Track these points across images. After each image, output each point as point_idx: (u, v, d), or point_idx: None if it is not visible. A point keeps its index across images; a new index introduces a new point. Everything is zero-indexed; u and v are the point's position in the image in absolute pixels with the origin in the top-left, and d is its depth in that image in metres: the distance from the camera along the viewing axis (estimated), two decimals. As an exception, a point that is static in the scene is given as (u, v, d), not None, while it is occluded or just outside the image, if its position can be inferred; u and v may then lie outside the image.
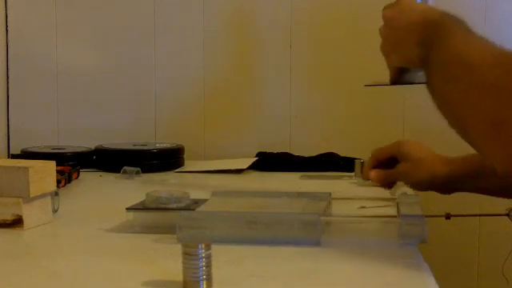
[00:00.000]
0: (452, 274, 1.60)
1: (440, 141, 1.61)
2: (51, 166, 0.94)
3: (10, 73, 1.71)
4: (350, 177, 1.34)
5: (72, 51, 1.71)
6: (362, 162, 1.33)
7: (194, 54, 1.67)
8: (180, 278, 0.64)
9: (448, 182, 1.07)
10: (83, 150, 1.54)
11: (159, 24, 1.68)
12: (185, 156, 1.56)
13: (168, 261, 0.73)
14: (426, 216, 0.82)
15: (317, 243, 0.81)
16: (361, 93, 1.61)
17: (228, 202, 0.98)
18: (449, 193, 1.09)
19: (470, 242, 1.63)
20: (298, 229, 0.81)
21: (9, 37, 1.70)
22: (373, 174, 1.10)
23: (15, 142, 1.69)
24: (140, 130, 1.69)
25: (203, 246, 0.63)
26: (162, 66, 1.69)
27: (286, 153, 1.58)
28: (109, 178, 1.39)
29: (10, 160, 1.50)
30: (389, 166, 1.10)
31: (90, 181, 1.37)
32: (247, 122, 1.67)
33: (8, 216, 0.90)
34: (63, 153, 1.51)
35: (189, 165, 1.53)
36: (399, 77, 0.98)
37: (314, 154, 1.53)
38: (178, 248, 0.64)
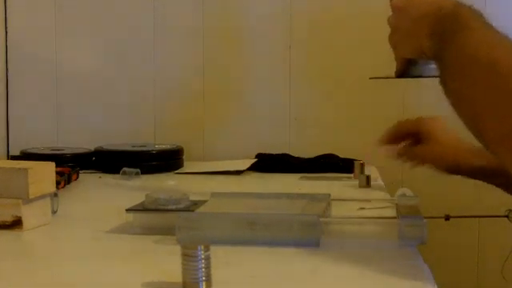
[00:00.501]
0: (451, 275, 1.60)
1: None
2: (50, 167, 0.94)
3: (9, 74, 1.71)
4: (350, 178, 1.34)
5: (71, 52, 1.71)
6: (362, 164, 1.33)
7: (194, 55, 1.67)
8: (179, 279, 0.64)
9: (472, 173, 1.04)
10: (83, 151, 1.53)
11: (159, 25, 1.68)
12: (184, 157, 1.56)
13: (167, 262, 0.73)
14: (426, 217, 0.82)
15: (316, 244, 0.81)
16: (360, 94, 1.61)
17: (227, 203, 0.98)
18: (472, 178, 1.07)
19: (470, 243, 1.63)
20: (297, 230, 0.81)
21: (8, 38, 1.70)
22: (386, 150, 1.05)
23: (14, 143, 1.69)
24: (139, 132, 1.69)
25: (202, 247, 0.63)
26: (162, 67, 1.69)
27: (286, 154, 1.58)
28: (108, 180, 1.39)
29: (9, 161, 1.50)
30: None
31: (90, 182, 1.37)
32: (247, 123, 1.67)
33: (7, 217, 0.90)
34: (62, 154, 1.51)
35: (188, 166, 1.53)
36: (406, 69, 0.95)
37: (313, 155, 1.53)
38: (178, 249, 0.64)
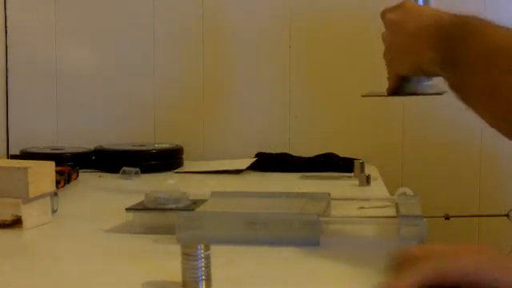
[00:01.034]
0: (451, 274, 1.60)
1: (439, 138, 1.62)
2: (50, 166, 0.95)
3: (9, 73, 1.71)
4: (350, 177, 1.34)
5: (71, 52, 1.71)
6: (362, 163, 1.33)
7: (193, 55, 1.67)
8: (179, 278, 0.64)
9: None
10: (82, 150, 1.53)
11: (158, 25, 1.68)
12: (184, 156, 1.56)
13: (167, 261, 0.73)
14: (425, 217, 0.82)
15: (316, 243, 0.81)
16: (360, 93, 1.61)
17: (227, 202, 0.98)
18: None
19: (469, 242, 1.63)
20: (297, 229, 0.81)
21: (8, 38, 1.70)
22: None
23: (14, 142, 1.69)
24: (139, 131, 1.69)
25: (202, 246, 0.63)
26: (161, 67, 1.69)
27: (286, 153, 1.58)
28: (108, 179, 1.39)
29: (9, 160, 1.50)
30: None
31: (90, 181, 1.37)
32: (246, 122, 1.67)
33: (7, 216, 0.90)
34: (62, 153, 1.51)
35: (188, 165, 1.53)
36: (399, 86, 0.93)
37: (313, 154, 1.53)
38: (178, 248, 0.64)
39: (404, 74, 0.90)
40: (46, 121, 1.71)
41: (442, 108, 1.51)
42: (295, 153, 1.58)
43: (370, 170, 1.35)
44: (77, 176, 1.35)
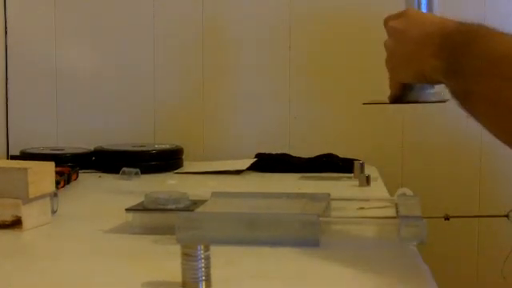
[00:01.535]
0: (451, 275, 1.60)
1: (439, 139, 1.62)
2: (50, 167, 0.94)
3: (9, 74, 1.71)
4: (350, 178, 1.34)
5: (71, 52, 1.71)
6: (362, 163, 1.33)
7: (193, 55, 1.67)
8: (179, 278, 0.64)
9: None
10: (82, 151, 1.54)
11: (158, 25, 1.68)
12: (184, 157, 1.56)
13: (167, 262, 0.73)
14: (425, 217, 0.82)
15: (316, 244, 0.81)
16: (360, 93, 1.61)
17: (227, 202, 0.98)
18: None
19: (469, 243, 1.63)
20: (297, 229, 0.81)
21: (8, 38, 1.70)
22: None
23: (14, 142, 1.69)
24: (139, 131, 1.69)
25: (202, 246, 0.63)
26: (161, 67, 1.69)
27: (285, 154, 1.58)
28: (108, 179, 1.39)
29: (9, 161, 1.50)
30: None
31: (89, 182, 1.37)
32: (246, 122, 1.67)
33: (7, 217, 0.90)
34: (62, 154, 1.51)
35: (188, 166, 1.53)
36: (402, 94, 0.93)
37: (313, 154, 1.53)
38: (177, 249, 0.64)
39: (407, 81, 0.90)
40: (45, 121, 1.71)
41: (442, 108, 1.51)
42: (295, 153, 1.58)
43: (369, 170, 1.35)
44: (77, 176, 1.35)
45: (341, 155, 1.52)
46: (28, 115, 1.71)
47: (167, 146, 1.55)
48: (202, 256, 0.63)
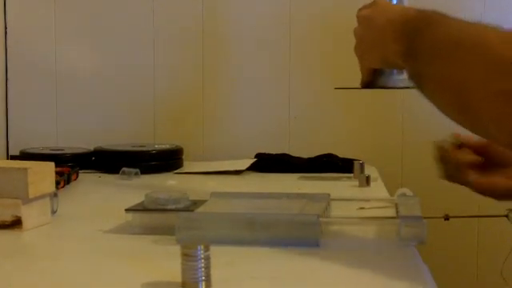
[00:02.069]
0: (451, 275, 1.61)
1: (439, 138, 1.61)
2: (50, 167, 0.94)
3: (8, 74, 1.71)
4: (349, 178, 1.34)
5: (71, 52, 1.71)
6: (362, 163, 1.33)
7: (193, 55, 1.67)
8: (179, 279, 0.64)
9: None
10: (82, 151, 1.53)
11: (158, 25, 1.68)
12: (184, 157, 1.56)
13: (167, 262, 0.73)
14: (425, 217, 0.82)
15: (316, 244, 0.81)
16: (360, 94, 1.61)
17: (227, 203, 0.98)
18: None
19: (469, 243, 1.64)
20: (296, 230, 0.81)
21: (8, 38, 1.70)
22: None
23: (14, 143, 1.69)
24: (139, 131, 1.69)
25: (202, 247, 0.63)
26: (161, 67, 1.69)
27: (285, 154, 1.58)
28: (108, 179, 1.39)
29: (8, 161, 1.50)
30: None
31: (89, 182, 1.37)
32: (246, 123, 1.67)
33: (7, 217, 0.90)
34: (62, 154, 1.51)
35: (188, 166, 1.53)
36: (372, 80, 0.97)
37: (312, 155, 1.53)
38: (177, 249, 0.64)
39: (374, 67, 0.94)
40: (45, 121, 1.71)
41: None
42: (295, 153, 1.58)
43: (369, 170, 1.35)
44: (77, 177, 1.35)
45: (341, 155, 1.52)
46: (28, 115, 1.71)
47: (167, 146, 1.55)
48: (202, 256, 0.63)
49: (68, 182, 1.28)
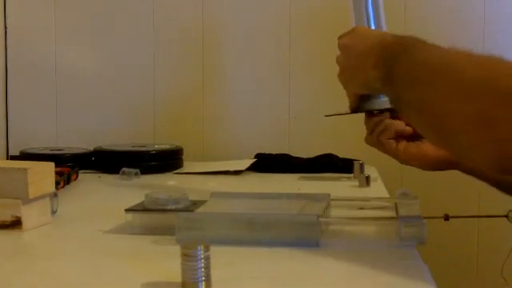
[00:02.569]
0: (451, 275, 1.61)
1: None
2: (50, 167, 0.94)
3: (8, 74, 1.71)
4: (349, 178, 1.34)
5: (71, 52, 1.71)
6: (361, 164, 1.33)
7: (193, 55, 1.67)
8: (179, 279, 0.64)
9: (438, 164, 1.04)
10: (82, 151, 1.53)
11: (158, 25, 1.68)
12: (184, 157, 1.56)
13: (167, 262, 0.73)
14: (425, 217, 0.82)
15: (316, 244, 0.81)
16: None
17: (227, 203, 0.98)
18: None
19: (469, 243, 1.64)
20: (296, 230, 0.81)
21: (8, 38, 1.70)
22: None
23: (14, 143, 1.69)
24: (139, 132, 1.69)
25: (202, 247, 0.63)
26: (161, 67, 1.69)
27: (285, 154, 1.58)
28: (108, 180, 1.39)
29: (8, 161, 1.50)
30: None
31: (89, 182, 1.37)
32: (246, 123, 1.67)
33: (7, 217, 0.90)
34: (62, 154, 1.51)
35: (188, 166, 1.53)
36: (359, 104, 0.99)
37: (312, 155, 1.53)
38: (177, 249, 0.64)
39: (358, 92, 0.96)
40: (45, 121, 1.71)
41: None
42: (295, 153, 1.58)
43: (369, 170, 1.35)
44: (76, 177, 1.35)
45: (341, 155, 1.52)
46: (28, 115, 1.71)
47: (167, 146, 1.55)
48: (202, 256, 0.63)
49: (68, 182, 1.28)
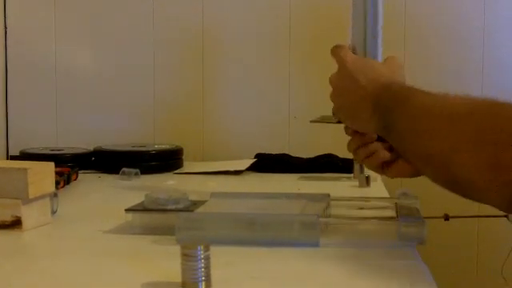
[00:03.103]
0: (451, 275, 1.60)
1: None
2: (50, 167, 0.94)
3: (8, 74, 1.71)
4: (349, 178, 1.34)
5: (71, 52, 1.71)
6: (361, 164, 1.33)
7: (193, 55, 1.67)
8: (179, 279, 0.64)
9: None
10: (82, 151, 1.53)
11: (158, 25, 1.68)
12: (184, 157, 1.56)
13: (167, 262, 0.73)
14: (425, 217, 0.83)
15: (316, 244, 0.81)
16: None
17: (227, 203, 0.98)
18: None
19: (469, 243, 1.63)
20: (296, 230, 0.81)
21: (8, 38, 1.70)
22: None
23: (14, 143, 1.69)
24: (139, 132, 1.69)
25: (202, 247, 0.63)
26: (161, 67, 1.69)
27: (285, 154, 1.58)
28: (108, 180, 1.39)
29: (8, 161, 1.50)
30: None
31: (89, 182, 1.37)
32: (246, 123, 1.67)
33: (7, 217, 0.90)
34: (62, 154, 1.51)
35: (188, 166, 1.53)
36: None
37: (312, 155, 1.53)
38: (177, 249, 0.64)
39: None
40: (45, 121, 1.71)
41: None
42: (295, 153, 1.58)
43: (369, 170, 1.34)
44: (76, 177, 1.35)
45: (341, 155, 1.52)
46: (28, 115, 1.71)
47: (167, 146, 1.55)
48: (202, 256, 0.63)
49: (68, 182, 1.28)
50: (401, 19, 1.61)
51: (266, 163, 1.51)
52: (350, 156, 1.45)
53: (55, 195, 0.98)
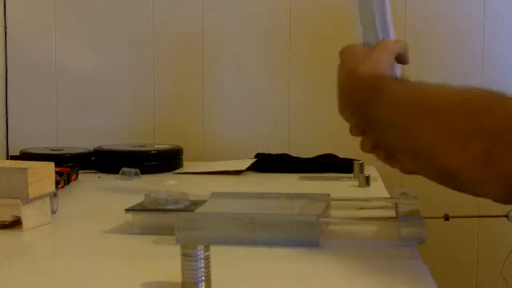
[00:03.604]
0: (451, 275, 1.60)
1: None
2: (50, 167, 0.94)
3: (8, 74, 1.71)
4: (349, 178, 1.34)
5: (71, 52, 1.71)
6: (361, 163, 1.33)
7: (193, 55, 1.67)
8: (179, 279, 0.64)
9: None
10: (82, 151, 1.53)
11: (158, 25, 1.68)
12: (183, 157, 1.56)
13: (167, 262, 0.73)
14: (425, 217, 0.82)
15: (315, 244, 0.81)
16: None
17: (227, 203, 0.98)
18: None
19: (469, 243, 1.64)
20: (296, 230, 0.81)
21: (7, 38, 1.70)
22: None
23: (14, 143, 1.69)
24: (139, 132, 1.69)
25: (202, 247, 0.63)
26: (161, 67, 1.69)
27: (285, 154, 1.58)
28: (108, 180, 1.39)
29: (8, 161, 1.50)
30: None
31: (89, 182, 1.37)
32: (246, 123, 1.67)
33: (7, 217, 0.90)
34: (62, 154, 1.51)
35: (188, 166, 1.53)
36: None
37: (312, 155, 1.53)
38: (177, 249, 0.64)
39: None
40: (45, 121, 1.71)
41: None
42: (295, 153, 1.58)
43: (369, 170, 1.35)
44: (76, 177, 1.35)
45: (341, 155, 1.52)
46: (28, 115, 1.71)
47: (167, 146, 1.55)
48: (202, 256, 0.63)
49: (68, 182, 1.28)
50: (401, 19, 1.61)
51: (266, 163, 1.51)
52: (350, 156, 1.47)
53: (55, 195, 0.98)
